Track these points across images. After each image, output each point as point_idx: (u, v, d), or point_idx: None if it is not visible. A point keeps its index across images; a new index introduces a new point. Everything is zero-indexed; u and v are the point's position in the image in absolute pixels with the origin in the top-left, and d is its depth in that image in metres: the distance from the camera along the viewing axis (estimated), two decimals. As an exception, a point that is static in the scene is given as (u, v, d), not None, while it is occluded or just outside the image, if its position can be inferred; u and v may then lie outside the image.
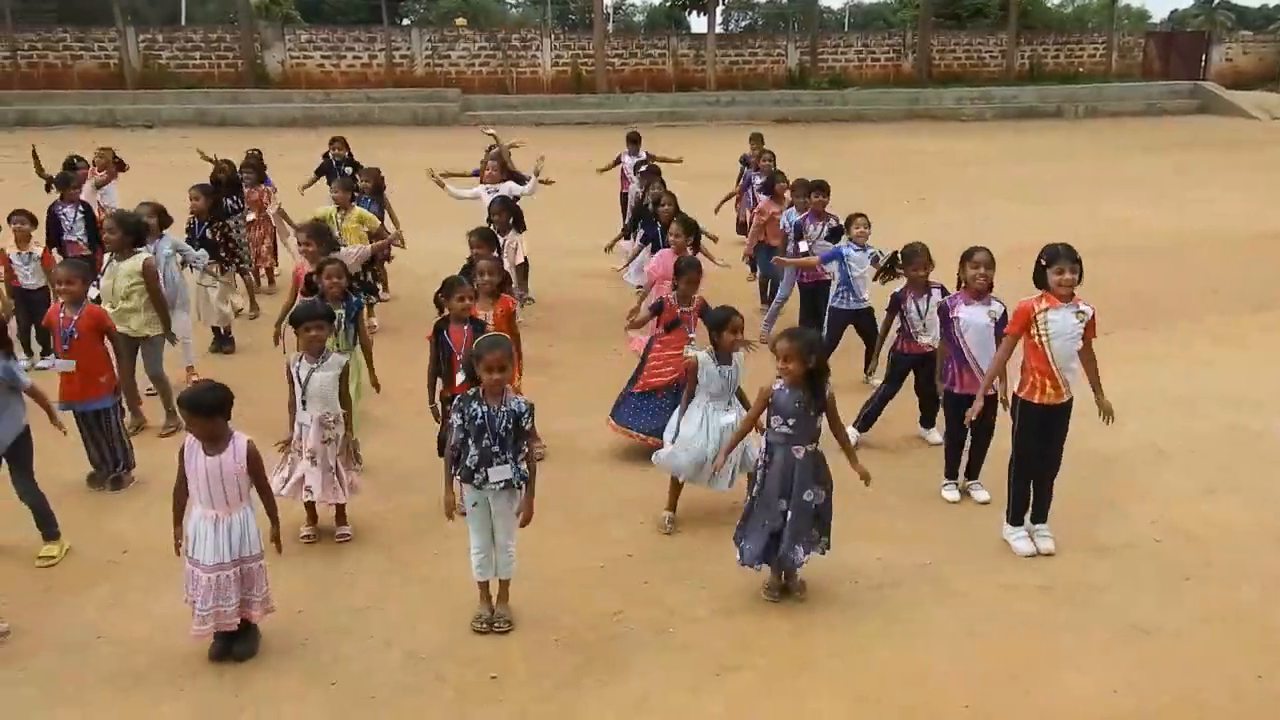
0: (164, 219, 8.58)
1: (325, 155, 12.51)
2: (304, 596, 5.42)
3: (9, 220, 9.05)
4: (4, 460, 5.73)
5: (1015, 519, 6.02)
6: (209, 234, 9.62)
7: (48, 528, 5.86)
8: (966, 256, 6.50)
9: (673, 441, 6.23)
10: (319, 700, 4.62)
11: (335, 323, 6.64)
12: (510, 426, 4.92)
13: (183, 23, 41.01)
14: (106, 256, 7.86)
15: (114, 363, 6.77)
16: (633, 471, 7.05)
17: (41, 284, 8.83)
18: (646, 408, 7.10)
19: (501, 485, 4.96)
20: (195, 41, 37.27)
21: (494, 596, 5.22)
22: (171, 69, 36.51)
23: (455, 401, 5.04)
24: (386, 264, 11.55)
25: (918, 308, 7.16)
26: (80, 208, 9.94)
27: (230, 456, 4.75)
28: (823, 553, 5.40)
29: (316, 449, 5.89)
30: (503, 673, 4.80)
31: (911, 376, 7.41)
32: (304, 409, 5.91)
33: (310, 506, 6.11)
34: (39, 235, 9.27)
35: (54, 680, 4.74)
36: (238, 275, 10.30)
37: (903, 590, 5.54)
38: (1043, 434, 5.82)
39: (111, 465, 6.73)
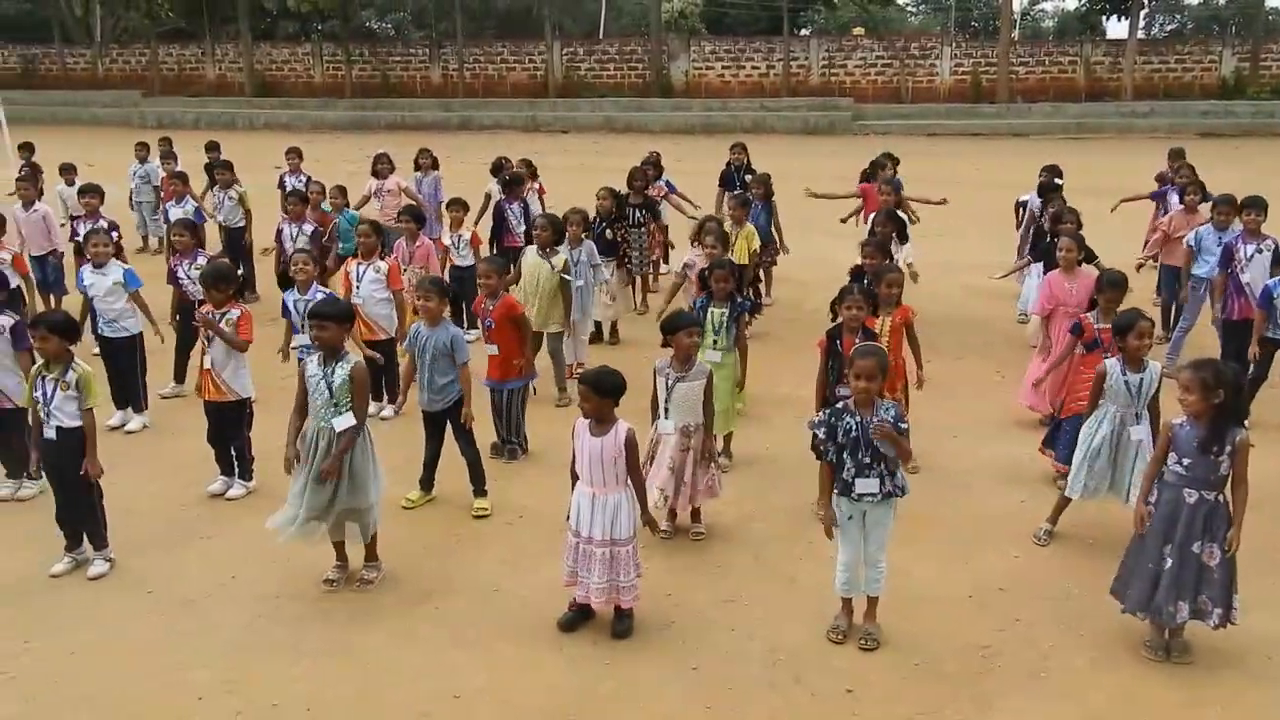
0: (586, 224, 9.47)
1: (727, 164, 12.92)
2: (673, 583, 5.70)
3: (447, 207, 10.45)
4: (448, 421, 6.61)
5: None
6: (608, 233, 10.40)
7: (479, 484, 6.66)
8: None
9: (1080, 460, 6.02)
10: (680, 681, 4.84)
11: (713, 323, 6.94)
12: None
13: (600, 36, 44.28)
14: (530, 249, 8.82)
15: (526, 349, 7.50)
16: (1011, 500, 6.71)
17: (471, 262, 10.11)
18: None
19: (875, 498, 4.92)
20: (610, 54, 40.19)
21: (857, 611, 5.19)
22: (588, 79, 39.66)
23: (826, 414, 5.04)
24: (772, 269, 11.78)
25: None
26: (523, 205, 11.16)
27: (611, 439, 5.07)
28: (1219, 624, 4.79)
29: (674, 457, 6.05)
30: (859, 687, 4.76)
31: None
32: (666, 417, 6.06)
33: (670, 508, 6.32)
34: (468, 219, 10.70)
35: (460, 623, 5.36)
36: (627, 274, 11.02)
37: (1329, 677, 4.81)
38: None
39: (509, 439, 7.51)
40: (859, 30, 44.24)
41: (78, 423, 5.70)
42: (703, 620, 5.33)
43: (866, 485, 4.89)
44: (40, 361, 5.82)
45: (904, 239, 10.07)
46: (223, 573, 5.86)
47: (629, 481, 5.14)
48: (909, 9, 65.40)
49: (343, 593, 5.65)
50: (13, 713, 4.65)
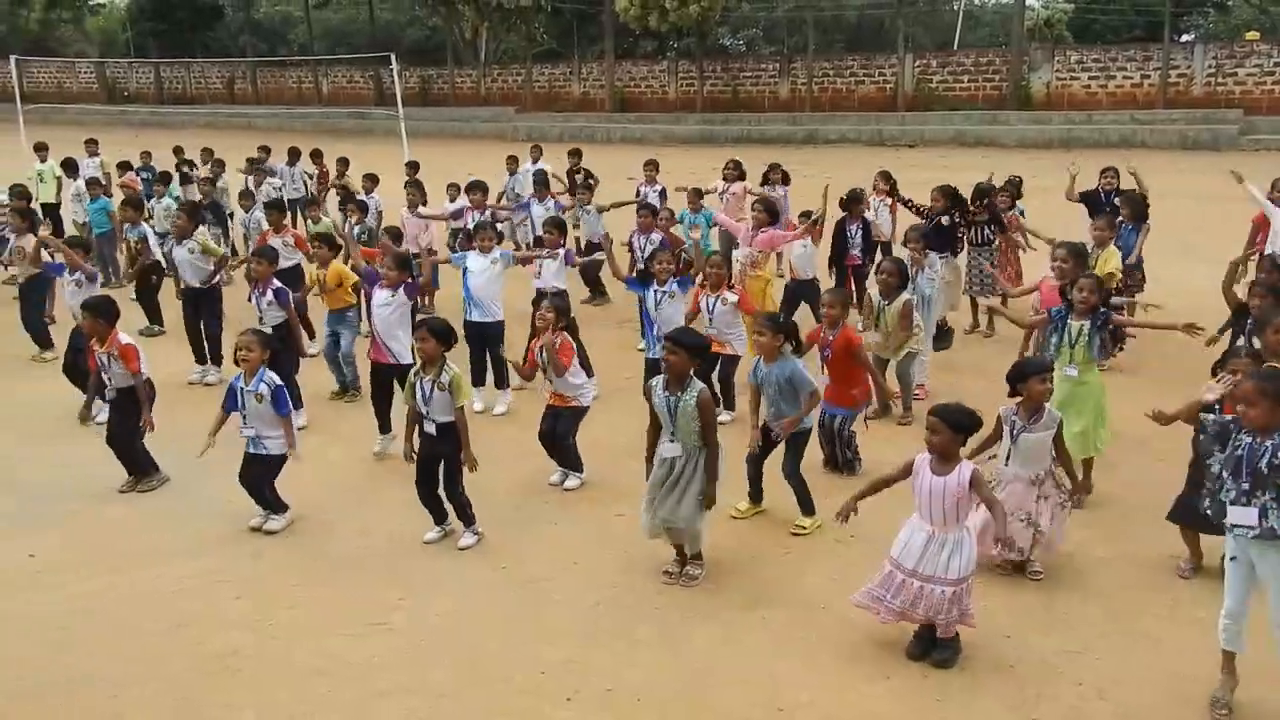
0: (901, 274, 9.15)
1: (1096, 187, 12.04)
2: (1014, 624, 5.39)
3: (798, 218, 10.57)
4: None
5: None
6: (943, 220, 10.35)
7: (805, 505, 6.64)
8: None
9: None
10: (1017, 730, 4.57)
11: (1070, 337, 6.55)
12: (1274, 463, 4.27)
13: (955, 48, 42.79)
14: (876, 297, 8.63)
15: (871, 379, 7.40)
16: None
17: (812, 275, 10.22)
18: None
19: (1248, 532, 4.34)
20: (965, 65, 38.71)
21: (1235, 674, 4.62)
22: (939, 92, 38.43)
23: (1229, 418, 4.51)
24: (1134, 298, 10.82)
25: None
26: (861, 224, 11.06)
27: (955, 479, 4.91)
28: None
29: (1021, 505, 5.73)
30: (1227, 769, 4.26)
31: None
32: (1008, 463, 5.78)
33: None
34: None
35: (784, 635, 5.38)
36: (955, 267, 10.69)
37: None
38: None
39: (840, 463, 7.45)
40: (1253, 34, 39.54)
41: (452, 418, 6.30)
42: (1046, 669, 4.99)
43: (1242, 515, 4.35)
44: (418, 363, 6.46)
45: None
46: (566, 557, 6.25)
47: (968, 521, 5.00)
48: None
49: (673, 590, 5.85)
50: (396, 659, 5.24)
